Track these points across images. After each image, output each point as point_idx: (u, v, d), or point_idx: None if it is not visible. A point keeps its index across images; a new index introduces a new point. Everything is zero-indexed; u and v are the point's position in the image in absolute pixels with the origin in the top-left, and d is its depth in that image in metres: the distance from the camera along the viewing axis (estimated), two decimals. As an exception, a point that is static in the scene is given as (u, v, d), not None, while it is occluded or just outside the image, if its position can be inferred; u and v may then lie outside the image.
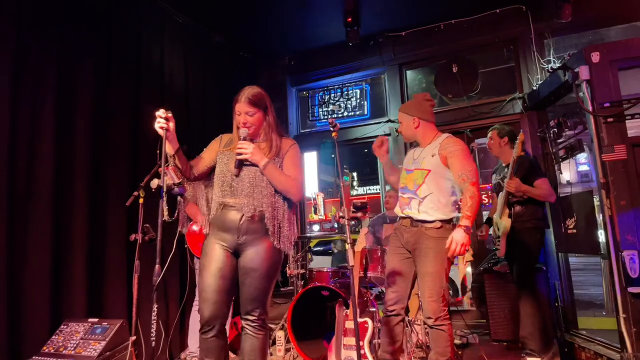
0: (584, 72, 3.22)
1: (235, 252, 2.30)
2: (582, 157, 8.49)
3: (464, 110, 4.83)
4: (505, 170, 3.61)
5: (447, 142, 2.73)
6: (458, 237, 2.45)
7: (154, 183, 2.43)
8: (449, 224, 2.66)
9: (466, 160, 2.65)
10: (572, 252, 3.95)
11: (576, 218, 3.63)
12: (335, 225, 5.58)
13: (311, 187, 6.34)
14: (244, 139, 2.31)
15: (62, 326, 2.73)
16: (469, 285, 4.81)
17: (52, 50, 3.11)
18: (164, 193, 2.26)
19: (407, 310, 3.72)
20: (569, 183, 4.13)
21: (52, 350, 2.55)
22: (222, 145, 2.44)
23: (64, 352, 2.51)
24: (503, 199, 3.48)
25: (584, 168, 11.46)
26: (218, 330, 2.22)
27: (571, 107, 3.94)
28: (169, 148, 2.25)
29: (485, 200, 5.11)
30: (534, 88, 4.43)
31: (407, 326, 3.31)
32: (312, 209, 5.76)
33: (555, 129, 4.04)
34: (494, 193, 3.91)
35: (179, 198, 2.67)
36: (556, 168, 4.14)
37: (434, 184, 2.67)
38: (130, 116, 3.76)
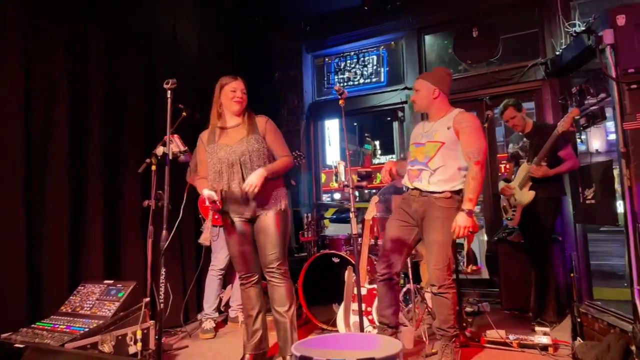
0: (608, 35, 3.04)
1: (250, 220, 2.66)
2: (613, 125, 8.17)
3: (483, 76, 4.68)
4: (525, 140, 3.52)
5: (462, 117, 2.71)
6: (461, 221, 2.50)
7: (160, 150, 2.48)
8: (459, 194, 2.66)
9: (476, 137, 2.63)
10: (590, 223, 3.85)
11: (595, 188, 3.52)
12: (357, 194, 5.59)
13: (333, 156, 6.34)
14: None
15: (79, 287, 2.86)
16: (476, 256, 4.80)
17: (63, 20, 3.13)
18: (169, 160, 2.32)
19: (419, 280, 3.76)
20: (597, 152, 4.01)
21: (70, 310, 2.68)
22: (207, 144, 2.70)
23: (80, 311, 2.64)
24: (526, 172, 3.41)
25: (614, 137, 11.04)
26: (256, 281, 2.74)
27: (595, 73, 3.77)
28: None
29: (502, 171, 5.02)
30: (557, 53, 4.24)
31: (417, 294, 3.34)
32: (334, 177, 5.77)
33: (578, 96, 3.88)
34: (510, 163, 3.83)
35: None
36: (577, 136, 4.00)
37: (446, 157, 2.67)
38: (145, 83, 3.79)
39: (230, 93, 2.66)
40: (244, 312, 2.78)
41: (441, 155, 2.67)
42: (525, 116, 3.57)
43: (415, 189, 2.74)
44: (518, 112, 3.58)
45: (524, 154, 3.60)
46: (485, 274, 5.24)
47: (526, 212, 3.46)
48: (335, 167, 5.99)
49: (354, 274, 3.37)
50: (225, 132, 2.69)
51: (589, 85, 3.73)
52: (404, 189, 2.91)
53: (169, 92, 2.41)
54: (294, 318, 2.66)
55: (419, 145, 2.79)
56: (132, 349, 2.58)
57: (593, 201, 3.55)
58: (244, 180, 2.53)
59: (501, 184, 3.73)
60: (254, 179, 2.47)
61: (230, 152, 2.59)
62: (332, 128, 6.36)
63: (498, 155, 4.94)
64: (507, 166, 3.99)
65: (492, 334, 3.05)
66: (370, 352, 1.39)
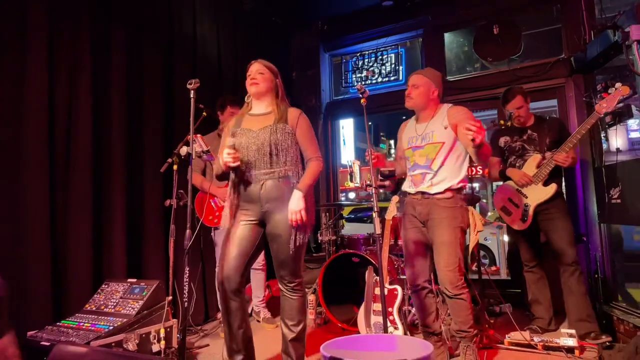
0: (635, 31, 2.98)
1: (262, 222, 2.41)
2: (635, 123, 7.98)
3: (504, 74, 4.59)
4: (529, 132, 3.38)
5: (455, 110, 2.71)
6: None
7: (183, 150, 2.49)
8: (459, 193, 2.66)
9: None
10: (616, 223, 3.77)
11: (621, 187, 3.44)
12: (372, 193, 5.56)
13: (348, 155, 6.31)
14: None
15: (103, 286, 2.90)
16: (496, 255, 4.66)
17: (85, 19, 3.16)
18: (192, 160, 2.32)
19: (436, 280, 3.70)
20: (618, 150, 3.88)
21: (94, 308, 2.71)
22: (231, 128, 2.52)
23: (104, 310, 2.67)
24: (547, 166, 3.23)
25: (636, 135, 10.79)
26: (231, 292, 2.33)
27: (620, 70, 3.68)
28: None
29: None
30: (581, 50, 4.16)
31: (437, 295, 3.30)
32: (348, 176, 5.76)
33: (603, 93, 3.80)
34: (495, 157, 3.53)
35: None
36: (602, 135, 3.92)
37: (448, 155, 2.66)
38: (164, 85, 3.82)
39: (248, 78, 2.49)
40: (223, 324, 2.42)
41: (443, 155, 2.66)
42: (529, 108, 3.42)
43: (418, 192, 2.71)
44: (525, 103, 3.40)
45: (531, 147, 3.43)
46: (504, 275, 5.17)
47: (542, 210, 3.27)
48: (350, 166, 5.99)
49: (374, 274, 3.36)
50: (252, 118, 2.51)
51: (615, 82, 3.65)
52: (403, 194, 2.87)
53: (192, 92, 2.41)
54: (303, 335, 2.45)
55: (417, 149, 2.76)
56: (155, 347, 2.60)
57: (619, 200, 3.47)
58: (263, 170, 2.36)
59: (516, 174, 3.35)
60: (295, 206, 2.27)
61: (252, 138, 2.40)
62: (346, 127, 6.33)
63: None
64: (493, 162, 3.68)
65: (516, 335, 3.00)
66: (401, 354, 1.37)
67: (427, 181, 2.67)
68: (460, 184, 2.65)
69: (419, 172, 2.72)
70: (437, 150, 2.66)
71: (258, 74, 2.46)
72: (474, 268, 4.60)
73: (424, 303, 2.75)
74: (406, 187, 2.84)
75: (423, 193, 2.69)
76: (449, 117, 2.67)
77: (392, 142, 14.36)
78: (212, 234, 3.64)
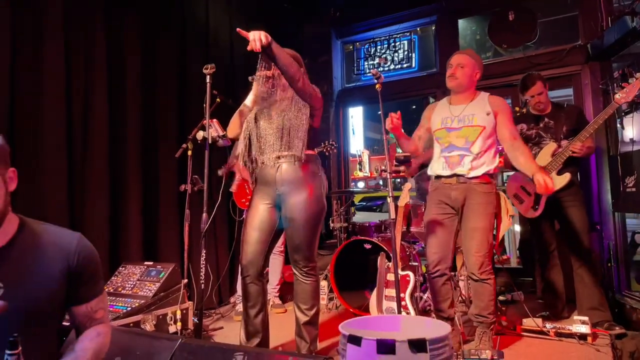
0: (655, 16, 2.94)
1: (278, 205, 2.42)
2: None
3: (518, 61, 4.54)
4: (546, 119, 3.35)
5: (496, 99, 2.75)
6: (543, 179, 2.51)
7: (200, 135, 2.51)
8: (493, 178, 2.70)
9: (511, 117, 2.71)
10: (630, 212, 3.75)
11: (637, 176, 3.41)
12: (380, 182, 5.56)
13: (357, 145, 6.31)
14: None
15: (120, 268, 2.95)
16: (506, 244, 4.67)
17: (99, 3, 3.18)
18: (208, 144, 2.34)
19: (454, 268, 3.70)
20: (632, 141, 3.82)
21: (112, 290, 2.76)
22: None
23: (122, 291, 2.72)
24: (562, 155, 3.21)
25: (651, 125, 10.64)
26: (254, 277, 2.39)
27: (638, 57, 3.63)
28: None
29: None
30: (598, 37, 4.10)
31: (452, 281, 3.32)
32: (358, 165, 5.76)
33: (620, 81, 3.75)
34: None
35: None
36: (618, 122, 3.87)
37: (486, 140, 2.67)
38: (177, 71, 3.84)
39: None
40: (242, 307, 2.51)
41: (482, 140, 2.65)
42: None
43: (454, 175, 2.69)
44: (545, 89, 3.35)
45: (547, 135, 3.40)
46: (514, 263, 5.16)
47: (557, 198, 3.23)
48: (360, 156, 5.99)
49: (386, 261, 3.38)
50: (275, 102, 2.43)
51: (632, 70, 3.59)
52: (433, 177, 2.84)
53: (207, 77, 2.43)
54: (316, 318, 2.50)
55: (453, 130, 2.72)
56: (172, 329, 2.65)
57: (634, 189, 3.44)
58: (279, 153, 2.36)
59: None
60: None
61: (270, 122, 2.40)
62: (355, 117, 6.29)
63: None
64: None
65: (529, 322, 3.01)
66: (418, 333, 1.39)
67: (467, 164, 2.65)
68: (495, 171, 2.70)
69: (456, 153, 2.69)
70: (478, 134, 2.65)
71: None
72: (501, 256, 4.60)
73: (441, 289, 2.76)
74: (438, 169, 2.78)
75: (459, 176, 2.68)
76: (491, 105, 2.69)
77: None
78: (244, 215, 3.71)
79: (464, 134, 2.68)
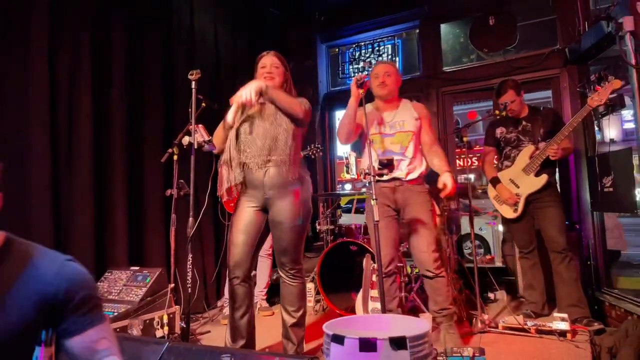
0: (628, 23, 3.04)
1: (265, 208, 2.47)
2: (629, 114, 8.06)
3: (500, 65, 4.64)
4: (524, 122, 3.43)
5: (418, 106, 3.01)
6: (451, 181, 2.70)
7: (185, 140, 2.52)
8: (424, 179, 2.92)
9: (431, 124, 3.03)
10: (608, 211, 3.86)
11: (614, 176, 3.52)
12: (367, 184, 5.62)
13: (344, 147, 6.36)
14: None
15: (106, 274, 2.95)
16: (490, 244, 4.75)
17: (85, 6, 3.19)
18: (194, 149, 2.37)
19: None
20: (612, 141, 3.92)
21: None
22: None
23: (109, 297, 2.72)
24: (539, 157, 3.30)
25: (630, 126, 10.89)
26: (241, 278, 2.43)
27: (614, 60, 3.74)
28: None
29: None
30: (576, 41, 4.21)
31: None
32: (345, 168, 5.81)
33: (596, 84, 3.85)
34: (489, 147, 3.62)
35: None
36: (595, 124, 3.98)
37: (416, 145, 2.88)
38: (163, 74, 3.85)
39: (262, 70, 2.51)
40: (229, 309, 2.53)
41: (413, 144, 2.85)
42: (523, 100, 3.48)
43: (393, 178, 2.81)
44: (517, 96, 3.43)
45: (526, 138, 3.48)
46: (499, 263, 5.26)
47: (535, 199, 3.35)
48: (347, 158, 6.04)
49: (372, 262, 3.42)
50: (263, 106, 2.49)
51: (608, 73, 3.70)
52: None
53: (193, 82, 2.45)
54: (303, 320, 2.54)
55: (388, 136, 2.87)
56: (159, 333, 2.66)
57: (611, 189, 3.55)
58: (266, 158, 2.39)
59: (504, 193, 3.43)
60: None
61: (257, 127, 2.44)
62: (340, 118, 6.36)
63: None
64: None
65: (510, 320, 3.08)
66: (399, 331, 1.43)
67: (404, 168, 2.82)
68: (424, 173, 2.90)
69: (394, 158, 2.75)
70: (410, 139, 2.84)
71: (274, 67, 2.52)
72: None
73: (390, 289, 2.84)
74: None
75: (397, 179, 2.82)
76: (417, 111, 2.91)
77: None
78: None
79: (398, 140, 2.84)
